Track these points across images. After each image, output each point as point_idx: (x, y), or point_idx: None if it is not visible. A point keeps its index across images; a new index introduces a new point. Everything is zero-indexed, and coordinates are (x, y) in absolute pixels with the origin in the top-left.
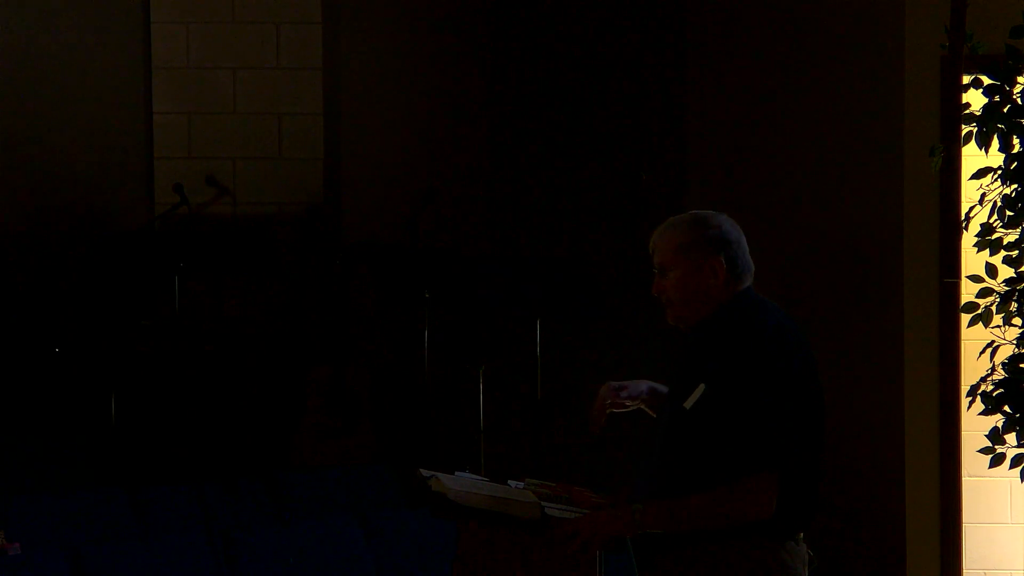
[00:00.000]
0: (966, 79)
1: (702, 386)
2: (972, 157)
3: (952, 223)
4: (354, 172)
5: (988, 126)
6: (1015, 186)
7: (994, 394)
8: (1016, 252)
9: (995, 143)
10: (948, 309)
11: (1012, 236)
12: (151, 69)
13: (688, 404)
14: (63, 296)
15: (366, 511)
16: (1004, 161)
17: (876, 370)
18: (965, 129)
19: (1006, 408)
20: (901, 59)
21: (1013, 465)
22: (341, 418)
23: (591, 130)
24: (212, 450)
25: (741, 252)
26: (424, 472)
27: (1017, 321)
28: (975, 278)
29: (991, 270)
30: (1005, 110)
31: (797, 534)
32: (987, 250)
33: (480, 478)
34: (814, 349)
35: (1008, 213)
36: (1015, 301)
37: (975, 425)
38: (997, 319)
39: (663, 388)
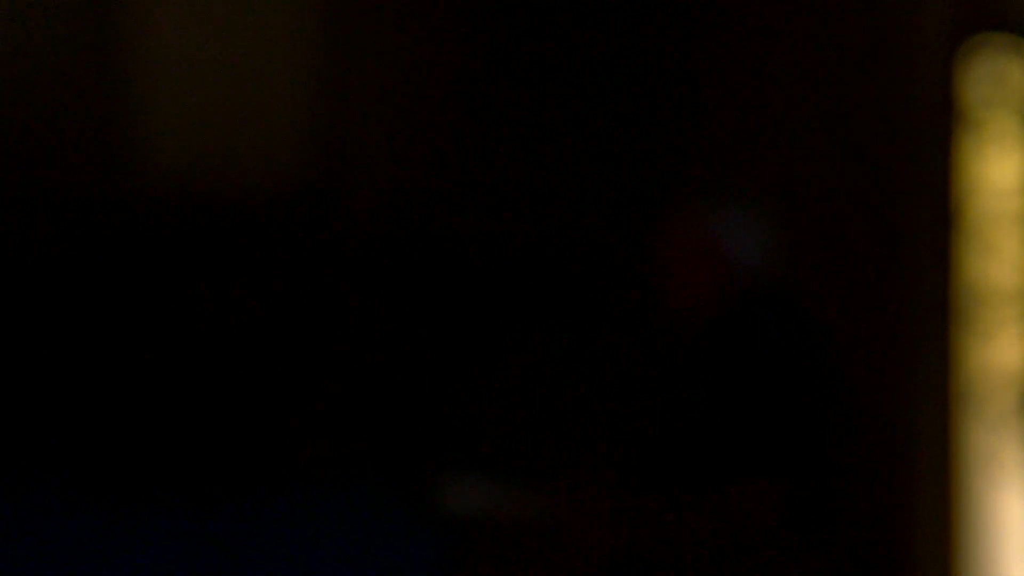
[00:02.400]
0: None
1: (702, 386)
2: None
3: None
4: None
5: None
6: None
7: None
8: None
9: None
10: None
11: None
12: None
13: (687, 403)
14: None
15: (366, 511)
16: None
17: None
18: None
19: None
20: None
21: None
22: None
23: (591, 130)
24: (213, 449)
25: (753, 255)
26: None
27: None
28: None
29: None
30: None
31: (797, 533)
32: None
33: (480, 478)
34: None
35: None
36: None
37: None
38: None
39: None
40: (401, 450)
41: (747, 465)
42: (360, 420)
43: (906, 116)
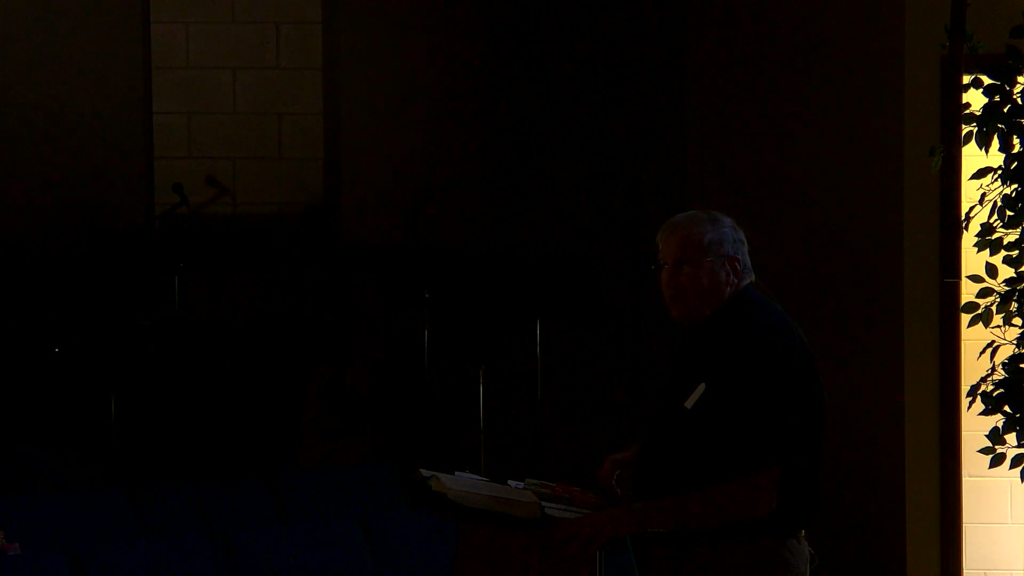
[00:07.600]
0: (966, 79)
1: (702, 385)
2: (972, 157)
3: (952, 223)
4: (354, 172)
5: (988, 126)
6: (1015, 186)
7: (994, 394)
8: (1016, 252)
9: (995, 143)
10: (948, 309)
11: (1012, 236)
12: (151, 69)
13: (689, 404)
14: (63, 296)
15: (366, 511)
16: (1004, 161)
17: (876, 370)
18: (965, 129)
19: (1006, 408)
20: (901, 59)
21: (1013, 465)
22: (341, 418)
23: (591, 129)
24: (212, 450)
25: (747, 252)
26: (424, 472)
27: (1017, 321)
28: (975, 278)
29: (991, 270)
30: (1005, 110)
31: (799, 531)
32: (987, 250)
33: (480, 478)
34: (814, 349)
35: (1008, 213)
36: (1015, 301)
37: (975, 425)
38: (997, 319)
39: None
40: (404, 442)
41: (744, 457)
42: (368, 412)
43: (898, 124)
